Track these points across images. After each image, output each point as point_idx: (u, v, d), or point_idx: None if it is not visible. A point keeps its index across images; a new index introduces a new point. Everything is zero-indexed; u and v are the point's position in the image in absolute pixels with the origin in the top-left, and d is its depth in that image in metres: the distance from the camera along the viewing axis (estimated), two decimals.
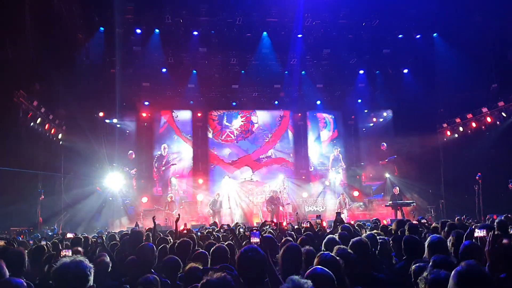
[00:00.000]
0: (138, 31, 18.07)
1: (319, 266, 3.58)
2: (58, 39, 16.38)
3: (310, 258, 4.76)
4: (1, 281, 3.55)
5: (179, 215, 9.40)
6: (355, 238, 4.99)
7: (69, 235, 9.81)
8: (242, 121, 24.22)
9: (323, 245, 5.32)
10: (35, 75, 15.81)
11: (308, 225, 8.71)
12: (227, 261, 5.12)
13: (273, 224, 11.39)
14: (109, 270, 5.05)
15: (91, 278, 2.94)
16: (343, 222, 9.22)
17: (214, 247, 5.40)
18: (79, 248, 6.63)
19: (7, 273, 3.72)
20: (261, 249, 3.76)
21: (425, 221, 11.56)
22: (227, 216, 20.46)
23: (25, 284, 3.44)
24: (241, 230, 10.62)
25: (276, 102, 23.74)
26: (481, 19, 16.38)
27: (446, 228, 6.59)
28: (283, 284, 2.65)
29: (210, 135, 23.96)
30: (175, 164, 23.16)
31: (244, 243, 6.03)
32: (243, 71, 21.04)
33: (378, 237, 6.15)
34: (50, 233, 14.06)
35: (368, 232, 7.37)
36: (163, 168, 23.06)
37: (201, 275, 4.00)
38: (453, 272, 2.80)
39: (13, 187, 14.08)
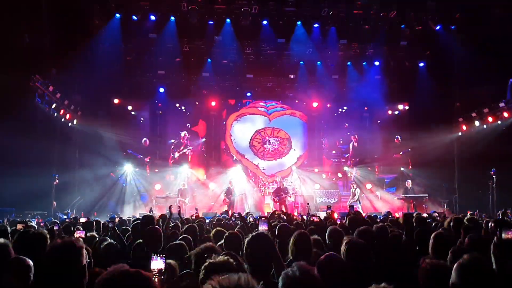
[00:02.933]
0: (153, 17, 18.08)
1: (333, 253, 3.60)
2: (75, 24, 16.48)
3: (318, 246, 4.79)
4: (12, 259, 3.61)
5: (179, 207, 9.51)
6: (362, 227, 4.98)
7: (82, 220, 9.97)
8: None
9: (327, 236, 5.32)
10: (51, 60, 15.94)
11: (318, 219, 8.69)
12: (240, 247, 5.14)
13: (282, 214, 11.40)
14: (117, 252, 5.12)
15: (82, 258, 2.96)
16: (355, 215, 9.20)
17: (227, 233, 5.41)
18: (94, 234, 6.73)
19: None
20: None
21: (436, 214, 11.51)
22: (239, 205, 20.50)
23: (31, 263, 3.49)
24: (251, 219, 10.68)
25: (291, 94, 23.67)
26: (500, 11, 16.10)
27: (452, 223, 6.51)
28: (289, 268, 2.67)
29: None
30: (190, 148, 23.21)
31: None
32: (258, 60, 20.96)
33: (389, 229, 6.13)
34: (63, 217, 14.24)
35: (380, 224, 7.34)
36: (177, 154, 23.11)
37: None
38: (455, 265, 2.79)
39: (28, 172, 14.25)
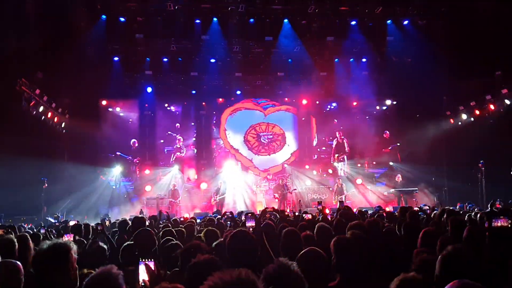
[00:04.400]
0: (140, 19, 18.01)
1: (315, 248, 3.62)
2: (60, 27, 16.36)
3: (309, 242, 4.80)
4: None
5: (160, 211, 9.53)
6: (353, 222, 5.01)
7: (71, 223, 9.92)
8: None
9: (315, 232, 5.33)
10: (38, 64, 15.82)
11: (310, 216, 8.72)
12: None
13: (274, 211, 11.40)
14: (106, 255, 5.10)
15: (73, 260, 2.96)
16: (346, 210, 9.22)
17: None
18: (77, 237, 6.68)
19: None
20: (257, 233, 3.81)
21: (427, 208, 11.59)
22: (231, 204, 20.46)
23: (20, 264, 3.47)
24: (244, 218, 10.69)
25: (280, 92, 23.65)
26: (486, 5, 16.25)
27: (445, 215, 6.59)
28: (270, 265, 2.68)
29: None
30: (182, 153, 23.10)
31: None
32: (246, 59, 20.94)
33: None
34: (53, 221, 14.15)
35: (372, 218, 7.39)
36: (174, 157, 22.98)
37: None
38: (439, 256, 2.84)
39: (17, 176, 14.15)
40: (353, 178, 22.00)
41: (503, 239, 3.63)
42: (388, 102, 23.51)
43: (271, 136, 24.58)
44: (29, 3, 14.94)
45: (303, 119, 24.40)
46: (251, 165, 23.79)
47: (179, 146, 22.83)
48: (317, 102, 24.28)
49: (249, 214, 4.96)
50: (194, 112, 23.64)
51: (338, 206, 10.12)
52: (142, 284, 3.00)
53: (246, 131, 24.57)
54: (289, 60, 21.17)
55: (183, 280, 2.61)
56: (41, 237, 6.74)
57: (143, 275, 3.07)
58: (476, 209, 11.98)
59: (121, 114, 22.49)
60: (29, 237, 4.90)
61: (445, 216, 6.67)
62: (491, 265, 3.35)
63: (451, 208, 9.05)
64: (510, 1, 15.59)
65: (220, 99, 24.08)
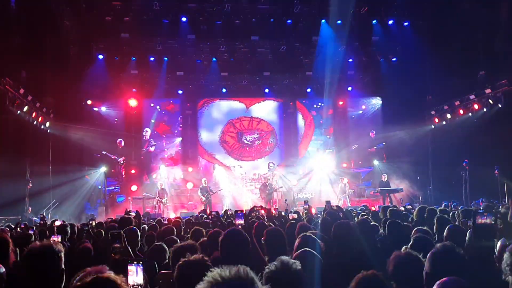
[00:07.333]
0: (126, 19, 17.92)
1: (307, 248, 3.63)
2: (44, 26, 16.21)
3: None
4: None
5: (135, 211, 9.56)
6: (338, 221, 5.04)
7: (57, 223, 9.84)
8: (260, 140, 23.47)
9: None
10: (21, 63, 15.65)
11: (296, 216, 8.76)
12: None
13: (262, 209, 11.41)
14: (91, 255, 5.08)
15: (61, 262, 2.95)
16: (332, 210, 9.26)
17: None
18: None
19: None
20: (246, 230, 3.83)
21: (410, 207, 11.70)
22: (218, 203, 20.40)
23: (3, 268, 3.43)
24: (229, 213, 10.70)
25: (267, 90, 23.63)
26: (469, 6, 16.43)
27: (426, 213, 6.72)
28: (272, 263, 2.69)
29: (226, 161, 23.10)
30: (154, 144, 22.75)
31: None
32: (232, 58, 20.94)
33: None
34: (38, 221, 14.00)
35: (361, 218, 7.47)
36: (144, 150, 22.66)
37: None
38: (429, 254, 2.87)
39: (1, 176, 13.97)
40: (338, 178, 22.02)
41: (486, 235, 3.71)
42: (374, 101, 23.65)
43: (257, 135, 23.71)
44: (12, 1, 14.78)
45: (288, 110, 24.30)
46: (232, 172, 22.34)
47: (146, 140, 22.46)
48: (304, 101, 24.35)
49: (239, 212, 4.96)
50: (180, 111, 23.55)
51: (325, 206, 10.13)
52: (132, 285, 2.98)
53: (222, 129, 23.26)
54: (275, 60, 21.20)
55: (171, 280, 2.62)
56: (33, 237, 6.67)
57: (132, 276, 3.06)
58: (460, 208, 12.16)
59: (107, 113, 22.29)
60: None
61: (425, 215, 6.80)
62: (474, 261, 3.40)
63: (434, 207, 9.18)
64: (492, 2, 15.82)
65: (206, 98, 24.02)
